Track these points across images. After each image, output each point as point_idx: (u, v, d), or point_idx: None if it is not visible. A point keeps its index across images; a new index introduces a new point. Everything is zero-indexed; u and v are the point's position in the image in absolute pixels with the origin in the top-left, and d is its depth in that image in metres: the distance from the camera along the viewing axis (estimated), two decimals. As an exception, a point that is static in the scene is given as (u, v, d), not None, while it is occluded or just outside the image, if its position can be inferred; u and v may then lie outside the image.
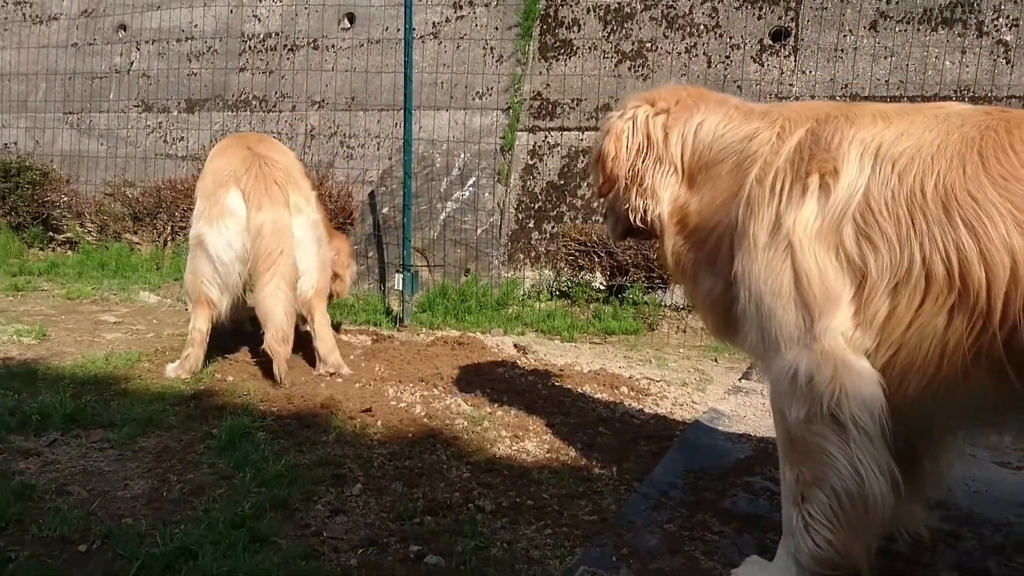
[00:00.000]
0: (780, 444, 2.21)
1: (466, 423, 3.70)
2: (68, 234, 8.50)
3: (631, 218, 2.72)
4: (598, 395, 4.24)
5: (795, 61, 7.32)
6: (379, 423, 3.66)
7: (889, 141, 2.08)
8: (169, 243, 8.02)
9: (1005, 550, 2.69)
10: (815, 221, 2.08)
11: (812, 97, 7.20)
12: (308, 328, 4.58)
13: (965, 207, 1.89)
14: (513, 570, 2.46)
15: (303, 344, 4.80)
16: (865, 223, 2.02)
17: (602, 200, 2.96)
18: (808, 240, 2.08)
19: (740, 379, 4.85)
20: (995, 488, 3.20)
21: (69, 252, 8.37)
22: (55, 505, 2.76)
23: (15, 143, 9.93)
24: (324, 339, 4.47)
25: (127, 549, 2.46)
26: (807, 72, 7.27)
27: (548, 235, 7.47)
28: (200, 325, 4.31)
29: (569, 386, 4.34)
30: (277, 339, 4.14)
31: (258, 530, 2.60)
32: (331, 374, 4.37)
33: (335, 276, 5.01)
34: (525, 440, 3.56)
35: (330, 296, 4.93)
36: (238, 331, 5.02)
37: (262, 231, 4.18)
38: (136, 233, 8.23)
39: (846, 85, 7.15)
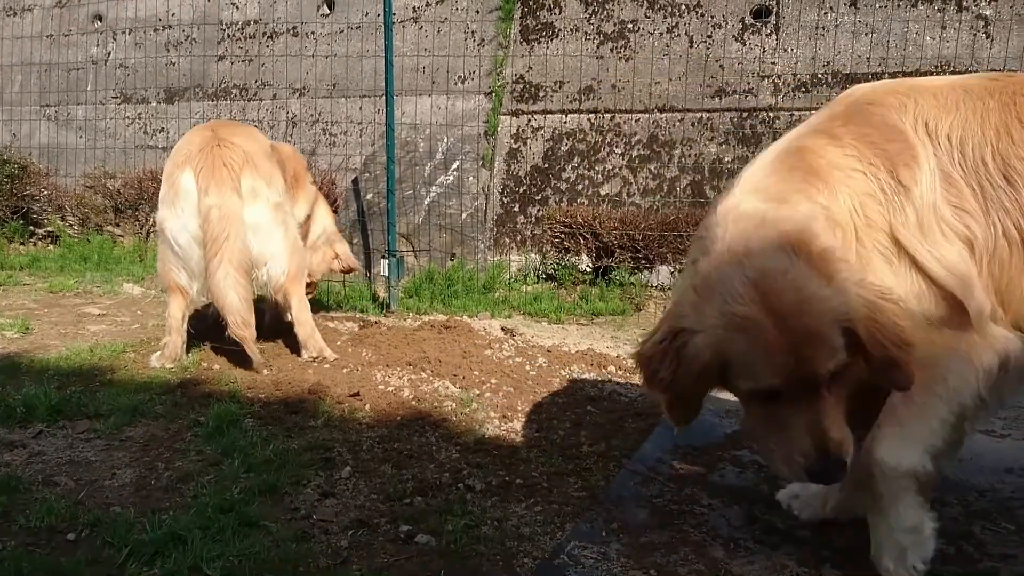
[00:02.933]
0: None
1: (455, 405, 3.70)
2: (49, 228, 8.41)
3: None
4: (586, 375, 4.25)
5: (777, 39, 7.32)
6: (367, 407, 3.65)
7: (934, 117, 2.12)
8: (152, 235, 7.95)
9: (990, 515, 2.72)
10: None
11: (794, 76, 7.22)
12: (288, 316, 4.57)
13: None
14: (504, 547, 2.46)
15: (290, 331, 4.78)
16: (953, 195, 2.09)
17: None
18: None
19: (727, 356, 4.87)
20: (980, 456, 3.23)
21: (51, 246, 8.29)
22: (42, 495, 2.74)
23: (-8, 137, 9.81)
24: (303, 324, 4.44)
25: (115, 536, 2.45)
26: (789, 50, 7.28)
27: (533, 219, 7.46)
28: (174, 312, 4.29)
29: (557, 367, 4.35)
30: (237, 324, 4.08)
31: (247, 514, 2.60)
32: (315, 359, 4.35)
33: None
34: (514, 420, 3.56)
35: (310, 284, 4.91)
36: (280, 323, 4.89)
37: (209, 216, 4.10)
38: (118, 225, 8.15)
39: (827, 63, 7.16)
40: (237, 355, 4.41)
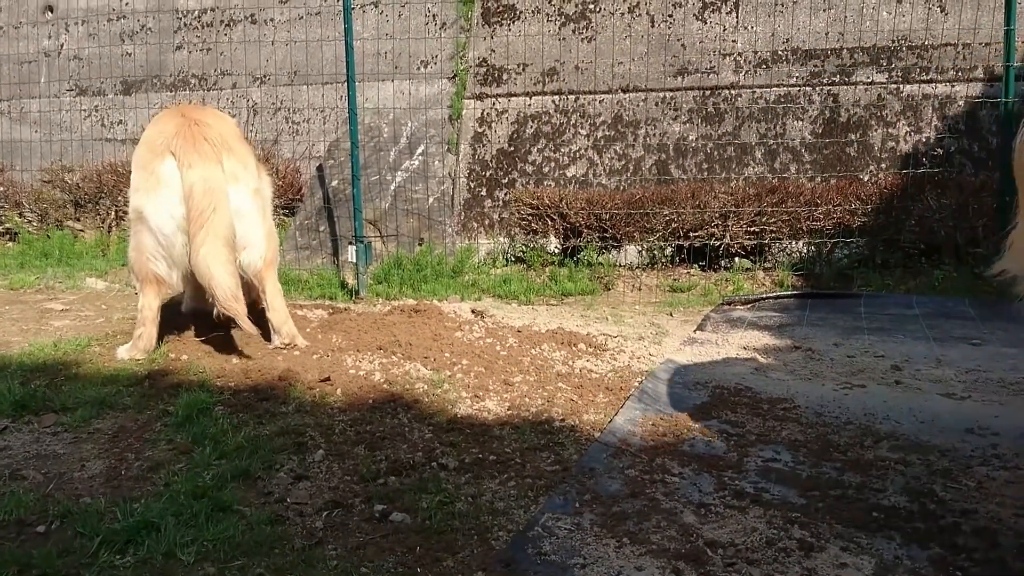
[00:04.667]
0: None
1: (426, 387, 3.71)
2: (7, 224, 8.22)
3: None
4: (556, 353, 4.28)
5: (737, 17, 7.38)
6: (339, 391, 3.65)
7: None
8: (114, 228, 7.82)
9: (951, 473, 2.80)
10: None
11: (755, 53, 7.28)
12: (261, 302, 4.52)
13: None
14: (478, 522, 2.48)
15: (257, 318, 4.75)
16: None
17: None
18: None
19: (695, 331, 4.94)
20: (941, 418, 3.33)
21: (9, 243, 8.11)
22: (9, 489, 2.70)
23: (-56, 133, 9.55)
24: (277, 310, 4.40)
25: (86, 527, 2.42)
26: (749, 28, 7.34)
27: (501, 202, 7.47)
28: (150, 303, 4.17)
29: (527, 346, 4.37)
30: (228, 298, 3.96)
31: (220, 500, 2.59)
32: (287, 345, 4.32)
33: None
34: (485, 399, 3.58)
35: None
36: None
37: (193, 191, 3.97)
38: (79, 220, 8.00)
39: (787, 39, 7.23)
40: (204, 345, 4.38)
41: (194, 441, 3.09)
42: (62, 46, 9.25)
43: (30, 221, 8.12)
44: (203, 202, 3.97)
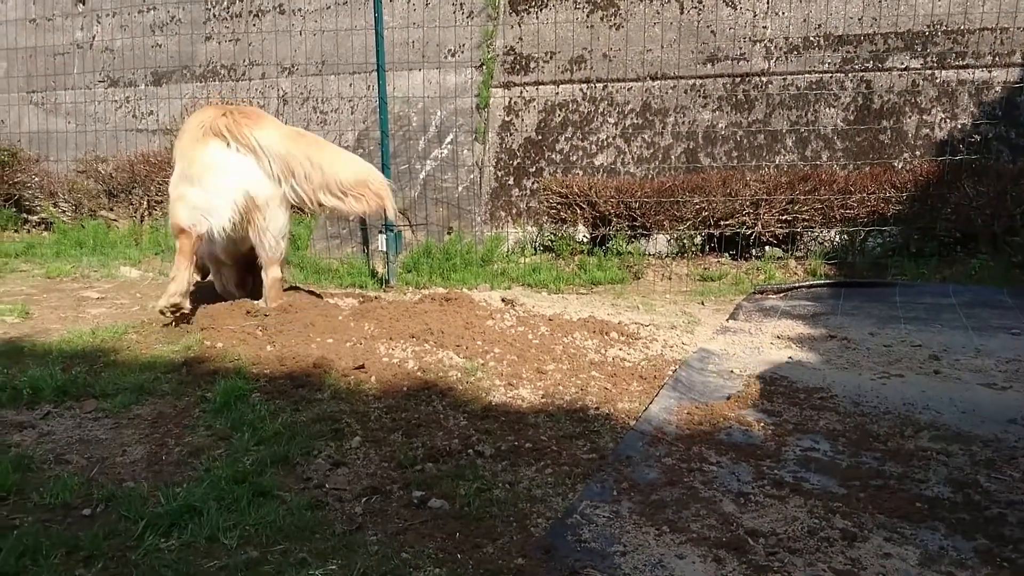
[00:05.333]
0: None
1: (460, 374, 3.71)
2: (42, 214, 8.36)
3: None
4: (588, 341, 4.26)
5: (768, 3, 7.28)
6: (373, 379, 3.66)
7: None
8: (147, 218, 7.92)
9: (995, 463, 2.76)
10: None
11: (786, 39, 7.19)
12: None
13: None
14: (516, 509, 2.49)
15: (294, 309, 4.79)
16: None
17: None
18: None
19: (727, 320, 4.90)
20: (982, 408, 3.28)
21: (44, 232, 8.24)
22: (54, 473, 2.75)
23: (-20, 125, 9.71)
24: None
25: (131, 510, 2.46)
26: (780, 13, 7.24)
27: (528, 191, 7.45)
28: (182, 262, 4.47)
29: (559, 334, 4.36)
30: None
31: (260, 485, 2.61)
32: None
33: None
34: (519, 387, 3.58)
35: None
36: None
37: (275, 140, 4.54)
38: (112, 210, 8.10)
39: (819, 25, 7.13)
40: (239, 333, 4.42)
41: (232, 427, 3.12)
42: (94, 38, 9.35)
43: (64, 211, 8.23)
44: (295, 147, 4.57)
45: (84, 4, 9.38)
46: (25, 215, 8.47)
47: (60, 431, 3.16)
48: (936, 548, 2.19)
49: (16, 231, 8.32)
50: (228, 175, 4.48)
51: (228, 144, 4.48)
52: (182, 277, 4.48)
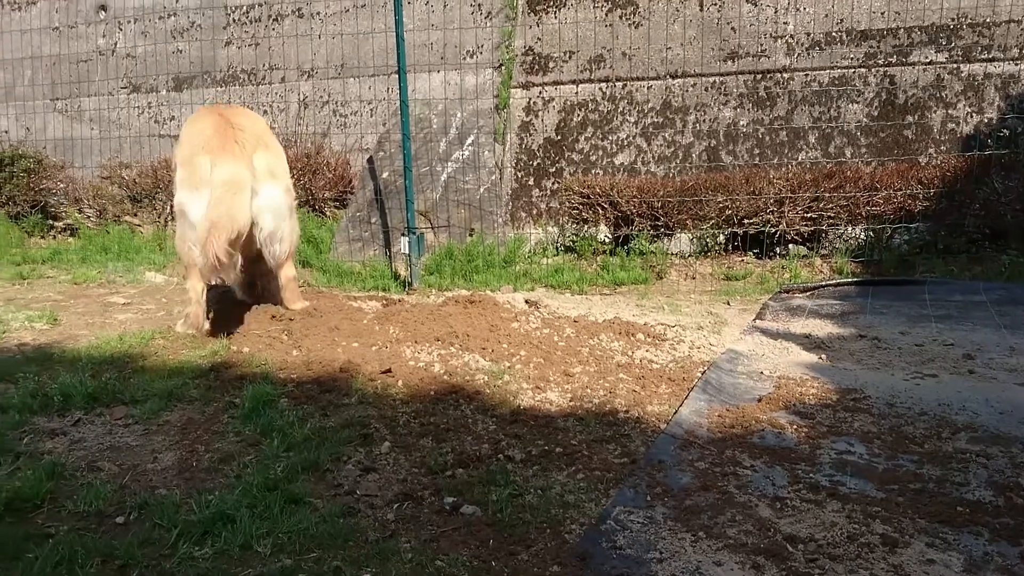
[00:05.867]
0: None
1: (486, 378, 3.70)
2: (67, 220, 8.43)
3: None
4: (615, 343, 4.24)
5: (789, -2, 7.20)
6: (400, 383, 3.66)
7: None
8: (170, 223, 7.95)
9: (1036, 465, 2.70)
10: None
11: (807, 35, 7.12)
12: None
13: None
14: (550, 515, 2.47)
15: (314, 314, 4.80)
16: None
17: None
18: None
19: (755, 320, 4.85)
20: (1020, 408, 3.22)
21: (70, 238, 8.31)
22: (87, 481, 2.76)
23: (6, 132, 9.80)
24: (292, 291, 4.95)
25: (164, 518, 2.47)
26: (801, 9, 7.16)
27: (548, 192, 7.42)
28: (194, 285, 4.56)
29: (585, 336, 4.33)
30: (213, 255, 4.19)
31: (292, 492, 2.61)
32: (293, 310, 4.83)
33: None
34: (547, 391, 3.56)
35: None
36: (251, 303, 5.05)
37: (215, 182, 4.32)
38: (136, 215, 8.16)
39: (841, 20, 7.04)
40: (265, 338, 4.43)
41: (262, 433, 3.12)
42: (116, 44, 9.42)
43: (89, 217, 8.30)
44: (220, 193, 4.31)
45: (106, 11, 9.45)
46: (51, 221, 8.54)
47: (91, 438, 3.18)
48: (980, 554, 2.15)
49: (42, 237, 8.40)
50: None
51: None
52: (196, 308, 4.58)
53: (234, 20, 8.92)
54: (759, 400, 3.39)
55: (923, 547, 2.19)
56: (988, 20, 6.69)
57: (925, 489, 2.55)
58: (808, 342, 4.30)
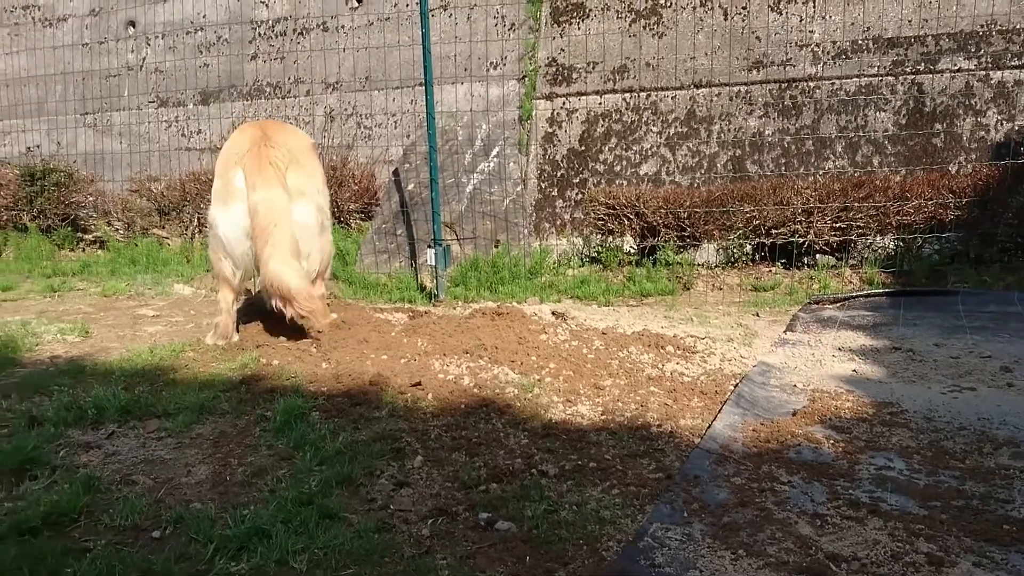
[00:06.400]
0: None
1: (516, 391, 3.68)
2: (96, 233, 8.54)
3: None
4: (644, 355, 4.21)
5: (814, 7, 7.16)
6: (430, 396, 3.65)
7: None
8: (197, 235, 8.04)
9: (1077, 479, 2.64)
10: None
11: (833, 43, 7.07)
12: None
13: None
14: (586, 531, 2.44)
15: (343, 326, 4.81)
16: None
17: None
18: None
19: (785, 331, 4.80)
20: (1057, 420, 3.15)
21: (99, 251, 8.42)
22: (122, 495, 2.77)
23: (37, 146, 9.98)
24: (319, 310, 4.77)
25: (200, 532, 2.47)
26: (827, 17, 7.12)
27: (572, 202, 7.42)
28: (225, 297, 4.68)
29: (614, 348, 4.31)
30: (303, 299, 4.30)
31: (326, 507, 2.61)
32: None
33: None
34: (578, 404, 3.54)
35: None
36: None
37: (256, 210, 4.38)
38: (163, 228, 8.25)
39: (867, 28, 6.99)
40: (294, 351, 4.45)
41: (294, 447, 3.12)
42: (144, 59, 9.56)
43: (117, 229, 8.40)
44: (265, 220, 4.38)
45: (135, 27, 9.59)
46: (80, 234, 8.66)
47: (125, 451, 3.19)
48: (1030, 574, 2.10)
49: (72, 250, 8.51)
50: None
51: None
52: (225, 318, 4.68)
53: (260, 34, 9.02)
54: (794, 414, 3.34)
55: (970, 566, 2.15)
56: (1018, 27, 6.61)
57: (969, 506, 2.50)
58: (841, 354, 4.25)
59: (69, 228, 8.57)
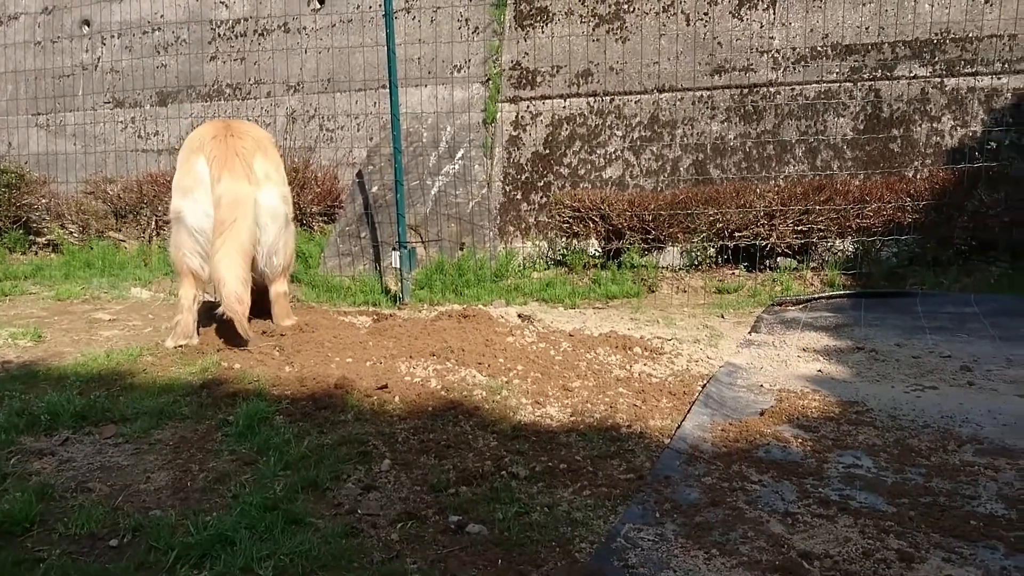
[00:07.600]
0: None
1: (485, 393, 3.65)
2: (50, 236, 8.29)
3: None
4: (612, 357, 4.20)
5: (774, 13, 7.26)
6: (396, 399, 3.60)
7: None
8: (155, 238, 7.86)
9: (1044, 477, 2.69)
10: None
11: (793, 49, 7.17)
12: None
13: None
14: (558, 532, 2.42)
15: (305, 329, 4.74)
16: None
17: None
18: None
19: (750, 333, 4.84)
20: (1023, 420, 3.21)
21: (52, 254, 8.17)
22: (78, 503, 2.68)
23: (-15, 147, 9.67)
24: (282, 306, 4.94)
25: (160, 540, 2.38)
26: (787, 24, 7.22)
27: (537, 206, 7.40)
28: (186, 293, 4.60)
29: (582, 350, 4.29)
30: (231, 300, 4.34)
31: (292, 512, 2.54)
32: (285, 327, 4.80)
33: None
34: (547, 406, 3.51)
35: None
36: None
37: (220, 202, 4.39)
38: (120, 230, 8.05)
39: (826, 35, 7.10)
40: (256, 355, 4.35)
41: (258, 451, 3.05)
42: (99, 59, 9.33)
43: (72, 232, 8.18)
44: (226, 213, 4.40)
45: (90, 26, 9.36)
46: (33, 237, 8.41)
47: (80, 458, 3.09)
48: (998, 568, 2.12)
49: (23, 253, 8.26)
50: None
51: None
52: (187, 316, 4.61)
53: (220, 35, 8.86)
54: (762, 413, 3.36)
55: (940, 562, 2.16)
56: (971, 35, 6.77)
57: (936, 503, 2.52)
58: (806, 355, 4.29)
59: (21, 231, 8.32)
